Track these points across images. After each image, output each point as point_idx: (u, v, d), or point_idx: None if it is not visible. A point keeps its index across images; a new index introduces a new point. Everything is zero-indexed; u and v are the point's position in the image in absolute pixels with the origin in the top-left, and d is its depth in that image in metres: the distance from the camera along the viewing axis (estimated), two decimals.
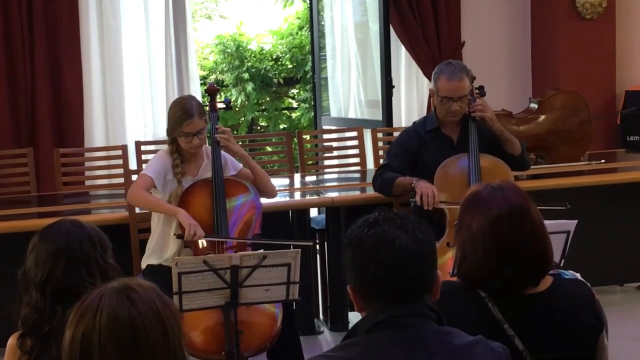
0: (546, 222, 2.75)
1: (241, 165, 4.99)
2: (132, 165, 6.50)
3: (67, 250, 2.76)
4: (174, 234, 4.59)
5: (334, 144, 7.40)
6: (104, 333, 1.85)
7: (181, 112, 4.69)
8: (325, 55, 8.74)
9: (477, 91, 5.28)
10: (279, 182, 6.35)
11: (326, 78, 8.75)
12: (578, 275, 2.91)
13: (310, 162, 7.00)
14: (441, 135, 5.21)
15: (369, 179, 6.50)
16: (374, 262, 2.15)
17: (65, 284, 2.72)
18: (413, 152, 5.21)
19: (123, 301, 1.89)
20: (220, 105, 5.02)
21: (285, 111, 12.54)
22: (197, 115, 4.68)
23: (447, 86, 5.08)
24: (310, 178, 6.65)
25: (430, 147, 5.18)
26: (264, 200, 4.88)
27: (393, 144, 5.42)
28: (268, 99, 12.35)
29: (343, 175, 6.80)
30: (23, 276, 2.81)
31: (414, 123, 5.46)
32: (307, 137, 7.22)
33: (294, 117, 12.40)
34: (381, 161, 6.48)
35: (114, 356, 1.85)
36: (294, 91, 12.73)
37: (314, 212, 6.57)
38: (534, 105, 6.70)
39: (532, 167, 5.87)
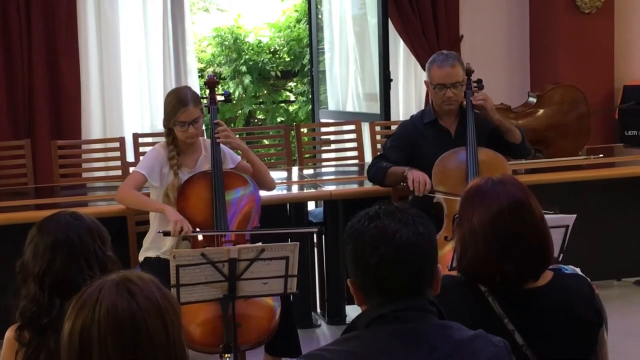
0: (546, 216, 2.74)
1: (239, 158, 4.99)
2: (130, 157, 6.50)
3: (66, 242, 2.74)
4: (159, 232, 4.57)
5: (332, 138, 7.39)
6: (104, 325, 1.84)
7: (176, 100, 4.69)
8: (323, 49, 8.73)
9: (475, 84, 5.28)
10: (276, 175, 6.33)
11: (324, 71, 8.75)
12: (578, 270, 2.91)
13: (308, 156, 6.99)
14: (439, 128, 5.21)
15: None
16: (375, 256, 2.14)
17: (64, 276, 2.71)
18: (410, 144, 5.22)
19: (123, 294, 1.88)
20: (219, 98, 5.01)
21: (283, 104, 12.52)
22: (191, 103, 4.67)
23: (440, 73, 5.10)
24: (308, 171, 6.65)
25: (428, 140, 5.19)
26: (261, 193, 4.87)
27: (390, 136, 5.44)
28: (265, 92, 12.33)
29: (341, 169, 6.80)
30: (21, 268, 2.79)
31: (412, 116, 5.48)
32: (305, 130, 7.21)
33: (291, 110, 12.38)
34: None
35: (114, 349, 1.84)
36: (292, 84, 12.71)
37: (311, 206, 6.57)
38: (532, 100, 6.70)
39: (530, 161, 5.87)
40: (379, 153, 5.42)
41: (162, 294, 1.93)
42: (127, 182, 4.78)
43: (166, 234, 4.52)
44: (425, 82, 5.30)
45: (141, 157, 5.92)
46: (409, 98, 8.45)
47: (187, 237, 4.61)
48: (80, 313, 1.87)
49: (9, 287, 2.81)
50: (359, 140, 6.96)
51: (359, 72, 8.40)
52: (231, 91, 11.65)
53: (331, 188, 5.82)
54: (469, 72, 5.24)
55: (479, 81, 5.31)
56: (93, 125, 7.51)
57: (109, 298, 1.87)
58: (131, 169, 5.43)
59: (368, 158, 6.88)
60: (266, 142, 10.52)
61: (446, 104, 5.14)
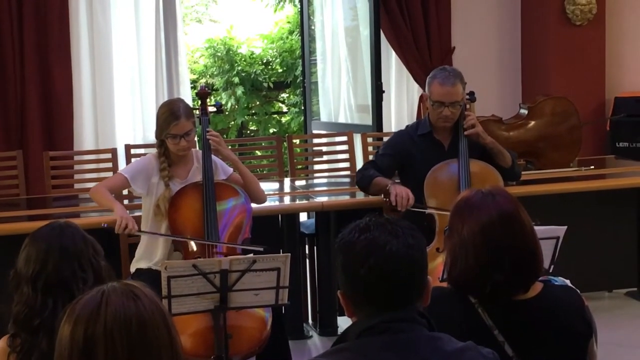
0: (536, 228, 2.75)
1: (231, 169, 4.99)
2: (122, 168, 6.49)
3: (59, 246, 2.75)
4: (103, 225, 4.56)
5: (324, 149, 7.40)
6: (110, 323, 1.83)
7: (168, 113, 4.69)
8: (315, 60, 8.74)
9: (467, 97, 5.28)
10: (268, 186, 6.35)
11: (316, 82, 8.76)
12: (568, 282, 2.91)
13: (300, 167, 7.00)
14: (433, 140, 5.21)
15: None
16: (365, 267, 2.15)
17: (57, 277, 2.71)
18: (403, 154, 5.22)
19: (129, 295, 1.88)
20: (211, 109, 5.01)
21: (275, 115, 12.55)
22: (184, 116, 4.67)
23: (440, 90, 5.07)
24: (300, 182, 6.65)
25: (421, 151, 5.18)
26: (253, 205, 4.87)
27: (384, 143, 5.44)
28: (258, 103, 12.35)
29: (333, 180, 6.80)
30: (14, 276, 2.79)
31: (407, 126, 5.48)
32: (297, 141, 7.23)
33: (283, 121, 12.41)
34: None
35: (121, 347, 1.82)
36: (284, 95, 12.74)
37: (303, 217, 6.58)
38: (523, 111, 6.71)
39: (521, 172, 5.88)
40: (370, 158, 5.41)
41: (160, 300, 1.94)
42: (105, 181, 4.86)
43: (110, 228, 4.54)
44: (424, 95, 5.29)
45: None
46: (401, 109, 8.47)
47: (132, 235, 4.68)
48: (82, 315, 1.85)
49: (1, 298, 2.81)
50: (351, 151, 6.97)
51: (351, 84, 8.42)
52: (223, 102, 11.67)
53: (323, 199, 5.82)
54: None
55: (471, 93, 5.31)
56: (85, 136, 7.51)
57: (116, 299, 1.86)
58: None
59: None
60: (258, 153, 10.53)
61: (442, 121, 5.12)
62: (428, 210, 4.94)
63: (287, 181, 6.67)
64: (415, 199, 4.97)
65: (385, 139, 7.11)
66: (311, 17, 8.70)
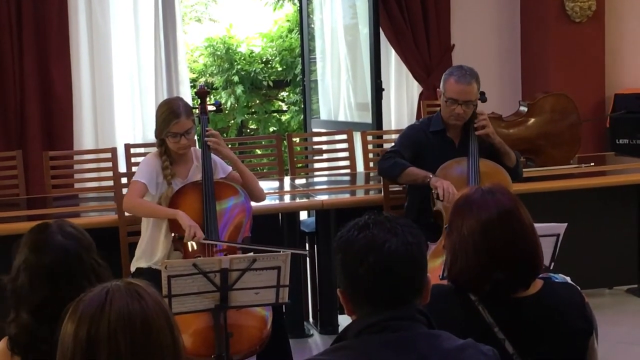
0: (536, 225, 2.75)
1: (230, 168, 4.98)
2: (122, 168, 6.49)
3: (66, 272, 2.62)
4: (174, 235, 4.58)
5: (324, 147, 7.40)
6: (114, 322, 1.82)
7: (168, 112, 4.68)
8: (315, 58, 8.74)
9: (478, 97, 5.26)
10: (268, 184, 6.34)
11: (316, 81, 8.76)
12: (568, 279, 2.91)
13: (300, 165, 6.99)
14: (444, 138, 5.21)
15: (359, 181, 6.53)
16: (364, 265, 2.14)
17: (60, 305, 2.63)
18: (416, 147, 5.21)
19: (133, 295, 1.87)
20: (210, 108, 5.01)
21: (275, 114, 12.54)
22: (184, 115, 4.67)
23: (455, 88, 5.07)
24: (300, 181, 6.65)
25: (433, 148, 5.18)
26: (253, 204, 4.87)
27: (401, 136, 5.38)
28: (258, 101, 12.34)
29: (333, 178, 6.80)
30: (14, 289, 2.69)
31: (419, 121, 5.50)
32: (297, 140, 7.21)
33: (283, 119, 12.40)
34: (371, 164, 6.52)
35: (125, 349, 1.82)
36: (284, 94, 12.73)
37: (303, 215, 6.57)
38: (523, 109, 6.71)
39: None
40: (392, 148, 5.36)
41: (163, 300, 1.94)
42: (131, 192, 4.74)
43: (180, 237, 4.54)
44: (438, 91, 5.28)
45: (133, 168, 5.92)
46: (400, 107, 8.47)
47: (191, 246, 4.60)
48: (85, 313, 1.84)
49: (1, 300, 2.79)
50: (351, 149, 6.96)
51: (351, 82, 8.42)
52: (223, 101, 11.67)
53: (323, 198, 5.81)
54: None
55: (482, 94, 5.26)
56: (85, 136, 7.51)
57: (120, 299, 1.85)
58: (123, 180, 5.43)
59: (360, 168, 6.89)
60: (258, 151, 10.53)
61: (454, 118, 5.12)
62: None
63: (287, 180, 6.66)
64: (423, 195, 4.99)
65: (386, 137, 7.12)
66: (310, 16, 8.70)
